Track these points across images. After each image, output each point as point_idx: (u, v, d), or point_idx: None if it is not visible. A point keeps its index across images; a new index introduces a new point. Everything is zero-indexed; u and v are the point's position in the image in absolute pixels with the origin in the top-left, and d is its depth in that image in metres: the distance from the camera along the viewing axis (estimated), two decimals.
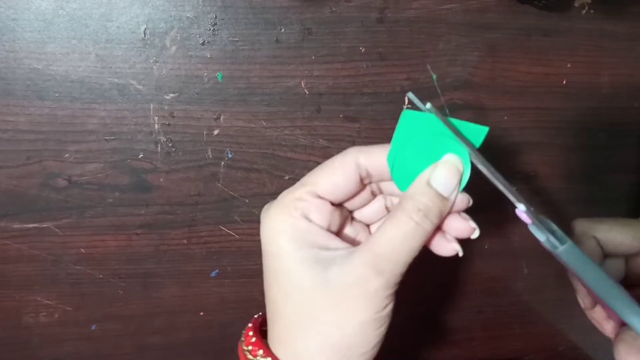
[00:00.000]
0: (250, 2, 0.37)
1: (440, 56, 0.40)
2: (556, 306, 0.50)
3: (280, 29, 0.38)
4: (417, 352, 0.48)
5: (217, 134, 0.39)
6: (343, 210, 0.29)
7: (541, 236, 0.26)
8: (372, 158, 0.26)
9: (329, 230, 0.27)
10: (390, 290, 0.25)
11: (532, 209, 0.25)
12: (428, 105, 0.25)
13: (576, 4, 0.42)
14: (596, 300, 0.33)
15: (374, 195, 0.30)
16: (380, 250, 0.24)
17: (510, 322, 0.50)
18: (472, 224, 0.27)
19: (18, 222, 0.38)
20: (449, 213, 0.26)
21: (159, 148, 0.38)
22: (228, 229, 0.41)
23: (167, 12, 0.36)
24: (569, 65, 0.43)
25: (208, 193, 0.40)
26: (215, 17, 0.37)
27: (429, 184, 0.25)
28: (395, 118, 0.42)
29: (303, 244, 0.25)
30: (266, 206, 0.27)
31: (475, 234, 0.27)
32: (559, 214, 0.47)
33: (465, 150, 0.25)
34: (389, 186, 0.29)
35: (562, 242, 0.25)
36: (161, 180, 0.39)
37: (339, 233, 0.29)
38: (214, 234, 0.41)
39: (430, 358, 0.49)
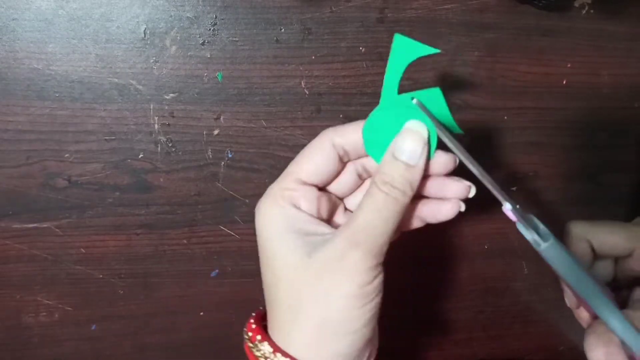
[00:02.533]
0: (250, 2, 0.37)
1: (440, 56, 0.40)
2: (556, 306, 0.50)
3: (280, 29, 0.38)
4: (417, 352, 0.48)
5: (217, 134, 0.39)
6: (332, 197, 0.29)
7: (528, 234, 0.26)
8: (346, 136, 0.27)
9: (319, 216, 0.28)
10: (371, 263, 0.25)
11: (517, 207, 0.26)
12: (415, 100, 0.26)
13: (576, 4, 0.42)
14: (578, 299, 0.33)
15: (362, 179, 0.30)
16: (356, 224, 0.25)
17: (510, 322, 0.50)
18: (467, 182, 0.27)
19: (18, 222, 0.38)
20: (427, 176, 0.27)
21: (159, 148, 0.38)
22: (228, 229, 0.41)
23: (167, 12, 0.36)
24: (569, 65, 0.43)
25: (208, 193, 0.40)
26: (215, 17, 0.37)
27: (393, 155, 0.26)
28: None
29: (291, 230, 0.26)
30: (259, 200, 0.28)
31: (472, 192, 0.27)
32: (559, 214, 0.47)
33: (431, 124, 0.26)
34: (375, 166, 0.29)
35: (545, 240, 0.26)
36: (161, 180, 0.39)
37: (330, 220, 0.29)
38: (214, 234, 0.41)
39: (431, 358, 0.49)
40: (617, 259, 0.36)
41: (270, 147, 0.40)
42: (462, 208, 0.28)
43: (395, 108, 0.27)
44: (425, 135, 0.26)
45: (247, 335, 0.27)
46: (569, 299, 0.35)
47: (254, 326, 0.27)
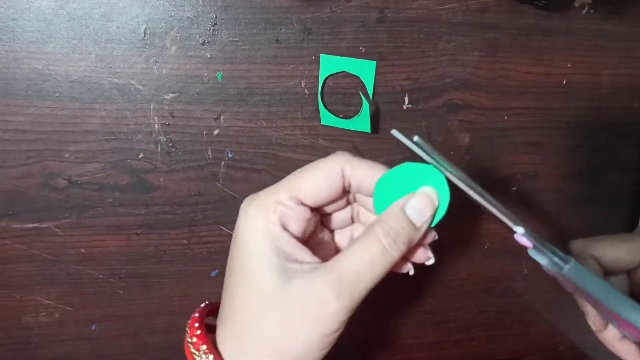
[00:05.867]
0: (250, 2, 0.37)
1: (440, 56, 0.40)
2: (556, 306, 0.50)
3: (280, 29, 0.38)
4: (417, 352, 0.48)
5: (217, 134, 0.39)
6: (318, 216, 0.29)
7: (542, 259, 0.25)
8: (358, 172, 0.26)
9: (303, 236, 0.27)
10: (346, 316, 0.24)
11: (531, 232, 0.25)
12: (416, 138, 0.25)
13: (576, 4, 0.42)
14: (608, 319, 0.33)
15: (348, 202, 0.30)
16: (344, 273, 0.24)
17: (510, 322, 0.50)
18: (429, 253, 0.28)
19: (18, 222, 0.38)
20: (418, 245, 0.27)
21: (159, 148, 0.38)
22: (228, 229, 0.41)
23: (167, 12, 0.36)
24: (569, 65, 0.43)
25: (208, 193, 0.40)
26: (215, 17, 0.37)
27: (403, 210, 0.25)
28: (394, 118, 0.42)
29: (274, 251, 0.25)
30: (248, 198, 0.27)
31: (430, 262, 0.28)
32: (559, 214, 0.47)
33: (446, 186, 0.26)
34: (362, 197, 0.29)
35: (565, 262, 0.25)
36: (161, 180, 0.39)
37: (312, 236, 0.29)
38: (214, 234, 0.41)
39: (431, 358, 0.49)
40: (629, 273, 0.35)
41: (270, 147, 0.40)
42: (411, 272, 0.28)
43: (412, 169, 0.27)
44: (437, 204, 0.26)
45: (190, 340, 0.26)
46: (594, 322, 0.34)
47: (198, 332, 0.26)
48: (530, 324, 0.50)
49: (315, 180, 0.26)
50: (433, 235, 0.27)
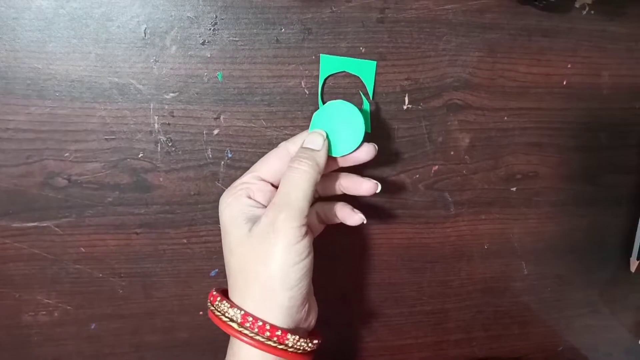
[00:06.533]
0: (250, 2, 0.37)
1: (440, 56, 0.40)
2: (556, 306, 0.50)
3: (280, 29, 0.38)
4: (416, 352, 0.48)
5: (217, 134, 0.39)
6: None
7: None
8: (296, 143, 0.34)
9: (267, 204, 0.33)
10: (295, 223, 0.30)
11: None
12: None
13: (577, 5, 0.42)
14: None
15: None
16: (278, 197, 0.32)
17: (510, 322, 0.50)
18: (374, 181, 0.35)
19: (18, 221, 0.38)
20: (339, 166, 0.36)
21: (158, 147, 0.38)
22: None
23: (168, 11, 0.36)
24: (569, 66, 0.43)
25: (208, 193, 0.40)
26: (216, 17, 0.37)
27: (302, 145, 0.34)
28: (394, 118, 0.42)
29: (241, 214, 0.32)
30: (224, 192, 0.34)
31: (378, 188, 0.35)
32: (559, 214, 0.47)
33: (358, 112, 0.35)
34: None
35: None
36: (161, 179, 0.39)
37: None
38: (214, 234, 0.41)
39: (431, 358, 0.49)
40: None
41: (270, 147, 0.40)
42: (364, 221, 0.35)
43: (328, 111, 0.35)
44: (324, 135, 0.34)
45: (209, 302, 0.33)
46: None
47: (214, 293, 0.33)
48: (530, 324, 0.50)
49: (268, 160, 0.34)
50: (373, 149, 0.35)
